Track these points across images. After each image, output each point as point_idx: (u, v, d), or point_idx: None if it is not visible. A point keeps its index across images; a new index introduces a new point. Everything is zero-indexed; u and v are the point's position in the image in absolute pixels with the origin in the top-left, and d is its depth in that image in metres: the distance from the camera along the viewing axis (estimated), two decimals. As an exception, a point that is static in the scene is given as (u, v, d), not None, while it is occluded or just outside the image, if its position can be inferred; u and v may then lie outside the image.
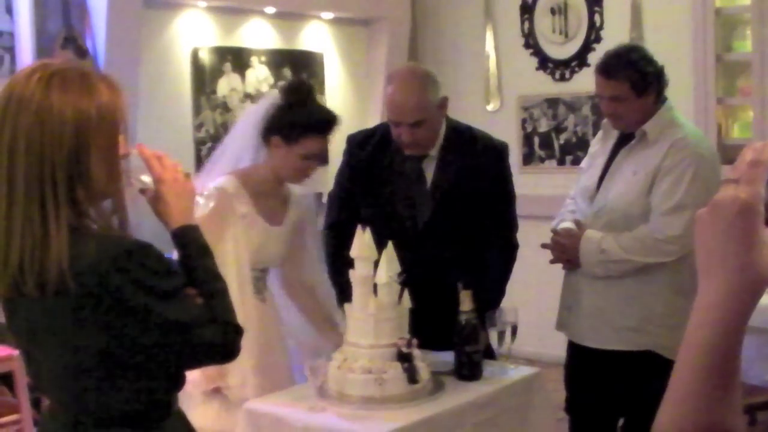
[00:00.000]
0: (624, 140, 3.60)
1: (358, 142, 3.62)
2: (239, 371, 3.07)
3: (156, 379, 1.92)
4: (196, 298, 1.93)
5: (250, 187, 3.23)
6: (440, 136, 3.46)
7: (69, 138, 1.81)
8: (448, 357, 3.17)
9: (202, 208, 2.84)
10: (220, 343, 1.92)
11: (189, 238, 2.01)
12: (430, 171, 3.47)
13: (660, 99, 3.54)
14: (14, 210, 1.80)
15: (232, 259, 3.12)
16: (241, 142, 3.30)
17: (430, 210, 3.44)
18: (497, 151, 3.55)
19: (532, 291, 5.47)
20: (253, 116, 3.29)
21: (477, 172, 3.44)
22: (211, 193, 3.09)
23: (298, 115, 3.19)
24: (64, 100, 1.82)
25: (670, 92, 3.61)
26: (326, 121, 3.26)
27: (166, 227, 2.04)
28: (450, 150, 3.46)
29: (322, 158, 3.31)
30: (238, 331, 1.97)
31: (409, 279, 3.05)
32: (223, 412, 3.12)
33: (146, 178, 2.07)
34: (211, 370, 2.98)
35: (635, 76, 3.46)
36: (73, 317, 1.81)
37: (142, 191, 2.07)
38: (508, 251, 3.58)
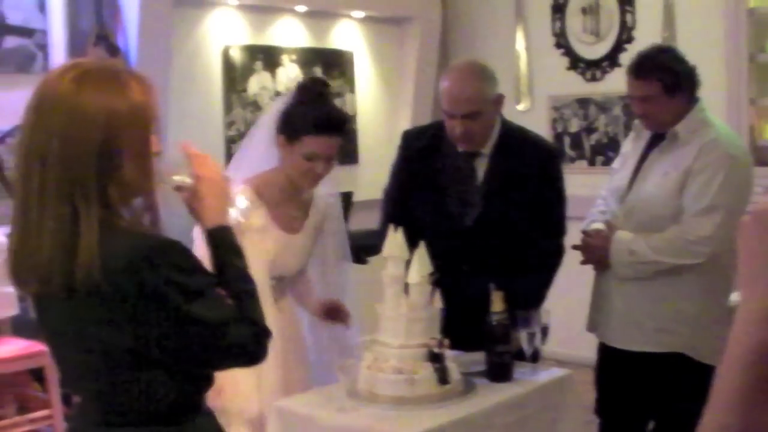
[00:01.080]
0: (656, 141, 3.58)
1: (412, 137, 3.66)
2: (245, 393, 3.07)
3: (185, 378, 1.92)
4: (225, 298, 1.93)
5: (267, 197, 3.18)
6: (494, 134, 3.46)
7: (100, 137, 1.81)
8: (479, 357, 3.16)
9: None
10: (248, 344, 1.92)
11: (222, 238, 2.02)
12: (481, 169, 3.47)
13: (692, 99, 3.52)
14: (46, 208, 1.81)
15: (256, 265, 3.09)
16: (262, 143, 3.27)
17: (480, 208, 3.43)
18: (550, 155, 3.58)
19: (563, 292, 5.40)
20: (270, 116, 3.27)
21: (527, 173, 3.44)
22: None
23: (300, 114, 3.14)
24: (96, 99, 1.82)
25: (703, 93, 3.59)
26: (327, 121, 3.17)
27: (200, 226, 2.05)
28: (503, 149, 3.46)
29: (328, 159, 3.17)
30: (266, 334, 1.96)
31: (448, 277, 3.05)
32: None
33: (181, 177, 2.07)
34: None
35: (667, 77, 3.45)
36: (103, 315, 1.82)
37: (179, 188, 2.07)
38: (555, 256, 3.56)
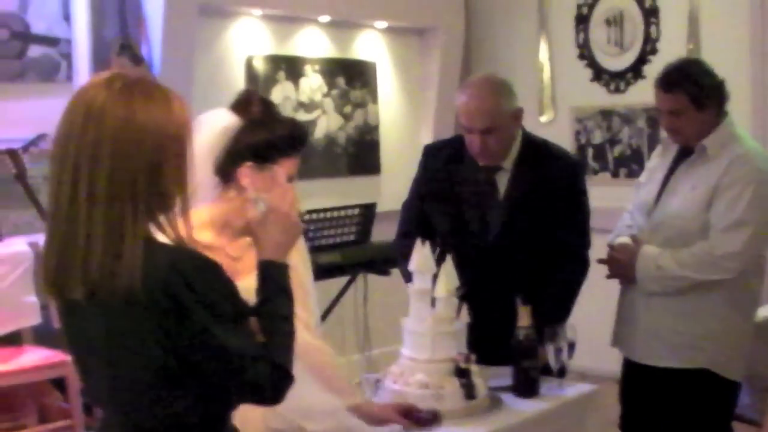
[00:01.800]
0: (683, 155, 3.56)
1: (434, 151, 3.63)
2: None
3: (210, 398, 1.90)
4: (257, 334, 1.92)
5: (228, 236, 2.49)
6: (515, 148, 3.43)
7: (150, 149, 1.82)
8: (505, 372, 3.13)
9: None
10: (266, 385, 1.89)
11: (273, 274, 2.00)
12: (503, 184, 3.44)
13: (721, 113, 3.50)
14: (95, 218, 1.80)
15: None
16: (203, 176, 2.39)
17: (501, 223, 3.41)
18: (572, 167, 3.54)
19: (588, 305, 5.35)
20: (202, 147, 2.30)
21: (551, 187, 3.40)
22: None
23: (273, 132, 2.46)
24: (147, 111, 1.83)
25: (728, 106, 3.55)
26: (302, 134, 2.61)
27: (257, 255, 2.04)
28: (524, 163, 3.43)
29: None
30: (288, 380, 1.93)
31: (473, 292, 3.03)
32: None
33: (261, 198, 2.11)
34: None
35: (695, 90, 3.42)
36: (137, 328, 1.81)
37: (255, 202, 2.10)
38: (580, 268, 3.52)
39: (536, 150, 3.47)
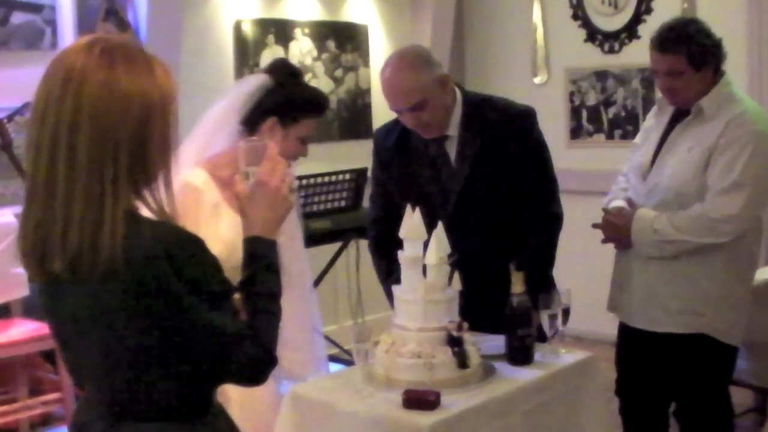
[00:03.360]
0: (679, 116, 3.49)
1: (382, 134, 3.55)
2: None
3: (194, 376, 1.84)
4: (240, 312, 1.86)
5: (220, 177, 2.93)
6: (456, 113, 3.34)
7: (134, 117, 1.75)
8: (498, 339, 3.08)
9: None
10: (250, 365, 1.84)
11: (260, 250, 1.94)
12: (453, 150, 3.36)
13: (717, 73, 3.42)
14: (75, 187, 1.73)
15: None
16: (217, 129, 2.96)
17: (459, 191, 3.34)
18: (521, 117, 3.40)
19: (584, 268, 5.36)
20: (238, 98, 2.95)
21: (502, 142, 3.31)
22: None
23: (298, 94, 2.97)
24: (130, 77, 1.76)
25: (724, 66, 3.48)
26: (324, 99, 3.11)
27: (244, 230, 1.98)
28: (469, 125, 3.34)
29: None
30: (272, 361, 1.88)
31: (456, 260, 2.96)
32: None
33: (252, 171, 2.05)
34: None
35: (693, 50, 3.35)
36: (118, 304, 1.75)
37: (245, 176, 2.04)
38: (551, 222, 3.43)
39: (478, 109, 3.37)
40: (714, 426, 3.56)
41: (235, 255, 2.90)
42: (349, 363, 4.04)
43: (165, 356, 1.78)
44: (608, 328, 3.92)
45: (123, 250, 1.71)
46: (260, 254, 1.93)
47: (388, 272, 3.16)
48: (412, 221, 2.87)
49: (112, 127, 1.73)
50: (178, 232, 1.79)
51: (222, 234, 2.84)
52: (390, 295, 3.04)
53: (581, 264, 5.30)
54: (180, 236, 1.77)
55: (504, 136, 3.32)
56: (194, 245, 1.78)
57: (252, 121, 2.91)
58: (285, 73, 2.99)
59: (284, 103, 2.93)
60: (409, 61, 3.26)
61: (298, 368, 3.12)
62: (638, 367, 3.66)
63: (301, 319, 3.16)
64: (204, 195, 2.91)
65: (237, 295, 1.88)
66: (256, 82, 2.96)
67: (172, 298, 1.73)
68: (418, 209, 2.88)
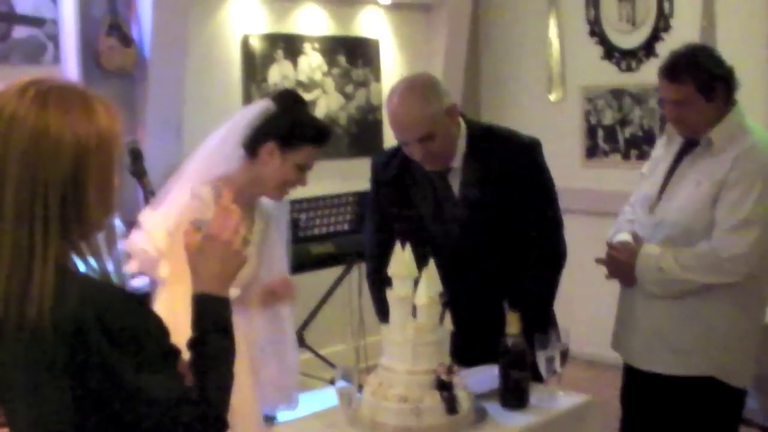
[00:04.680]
0: (689, 146, 3.35)
1: (381, 163, 3.42)
2: None
3: None
4: (185, 374, 1.73)
5: (239, 203, 2.94)
6: (461, 144, 3.22)
7: (66, 163, 1.64)
8: (488, 371, 2.98)
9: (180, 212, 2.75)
10: (198, 429, 1.71)
11: (209, 308, 1.81)
12: (456, 183, 3.24)
13: (729, 103, 3.28)
14: (2, 241, 1.63)
15: None
16: (221, 149, 2.99)
17: (461, 224, 3.22)
18: (526, 149, 3.28)
19: (595, 288, 5.19)
20: (241, 122, 2.99)
21: (506, 176, 3.20)
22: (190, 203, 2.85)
23: (301, 122, 2.98)
24: (62, 121, 1.65)
25: (741, 93, 3.34)
26: (325, 130, 3.07)
27: (192, 285, 1.85)
28: (474, 157, 3.22)
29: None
30: (223, 424, 1.75)
31: (448, 300, 2.84)
32: None
33: (201, 222, 1.94)
34: None
35: (702, 78, 3.21)
36: (45, 368, 1.63)
37: (197, 228, 1.91)
38: (553, 260, 3.31)
39: (483, 139, 3.25)
40: (720, 471, 3.42)
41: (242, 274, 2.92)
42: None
43: (97, 424, 1.67)
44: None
45: (51, 311, 1.59)
46: (209, 313, 1.81)
47: (385, 314, 3.00)
48: (401, 258, 2.75)
49: (42, 175, 1.62)
50: (111, 292, 1.67)
51: None
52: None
53: (595, 285, 5.15)
54: (113, 296, 1.66)
55: (509, 168, 3.21)
56: (128, 306, 1.66)
57: (252, 144, 2.93)
58: (289, 100, 3.02)
59: (284, 128, 2.94)
60: (418, 91, 3.15)
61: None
62: (643, 409, 3.51)
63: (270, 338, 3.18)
64: (208, 212, 2.82)
65: (185, 356, 1.76)
66: (260, 107, 2.99)
67: (102, 363, 1.61)
68: (408, 246, 2.76)
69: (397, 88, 3.19)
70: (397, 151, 3.36)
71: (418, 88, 3.16)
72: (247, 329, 3.10)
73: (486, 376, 3.01)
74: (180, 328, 1.81)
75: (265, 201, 3.14)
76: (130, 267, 2.79)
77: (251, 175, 2.96)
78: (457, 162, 3.23)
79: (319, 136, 3.01)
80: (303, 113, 3.04)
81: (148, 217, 2.94)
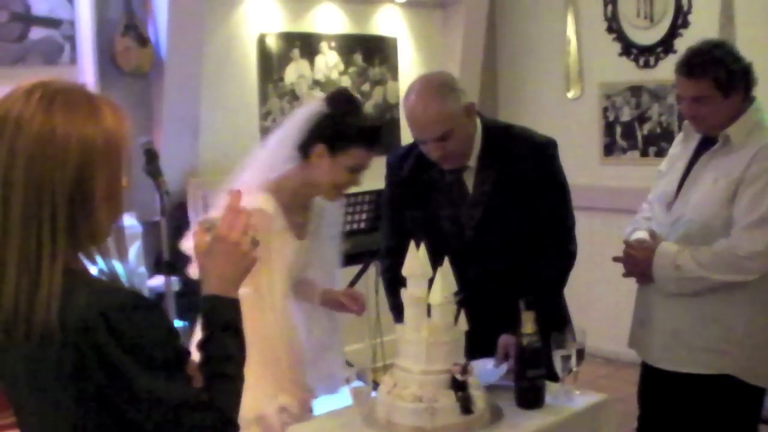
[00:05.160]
0: (706, 143, 3.32)
1: (395, 163, 3.40)
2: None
3: None
4: (194, 376, 1.72)
5: (282, 202, 3.02)
6: (477, 143, 3.20)
7: (73, 166, 1.63)
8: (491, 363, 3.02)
9: None
10: (208, 431, 1.70)
11: (218, 310, 1.80)
12: (471, 182, 3.22)
13: (747, 99, 3.25)
14: (9, 244, 1.62)
15: (278, 276, 2.94)
16: (278, 152, 3.05)
17: (475, 223, 3.20)
18: (541, 149, 3.25)
19: (612, 286, 5.19)
20: (294, 124, 3.04)
21: (522, 175, 3.17)
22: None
23: (348, 123, 2.97)
24: (68, 123, 1.63)
25: (759, 90, 3.31)
26: (375, 131, 3.06)
27: (202, 287, 1.84)
28: (488, 156, 3.20)
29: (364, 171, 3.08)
30: (233, 426, 1.74)
31: (462, 299, 2.82)
32: None
33: (212, 224, 1.92)
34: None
35: (720, 74, 3.18)
36: (54, 372, 1.62)
37: (205, 227, 1.91)
38: (563, 260, 3.28)
39: (499, 139, 3.23)
40: (739, 470, 3.39)
41: (293, 273, 3.06)
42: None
43: (104, 426, 1.66)
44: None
45: (59, 314, 1.59)
46: (218, 314, 1.80)
47: (400, 313, 2.99)
48: (416, 258, 2.74)
49: (49, 177, 1.61)
50: (121, 295, 1.65)
51: (287, 257, 2.98)
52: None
53: (613, 282, 5.12)
54: (123, 300, 1.64)
55: (524, 168, 3.18)
56: (140, 310, 1.64)
57: (304, 147, 2.98)
58: (340, 102, 3.02)
59: (333, 130, 2.96)
60: (435, 90, 3.11)
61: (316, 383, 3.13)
62: (661, 407, 3.49)
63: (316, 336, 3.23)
64: (275, 221, 2.96)
65: (195, 359, 1.76)
66: (312, 108, 3.03)
67: (112, 367, 1.60)
68: (423, 246, 2.74)
69: (415, 86, 3.16)
70: (410, 150, 3.34)
71: (436, 86, 3.14)
72: (302, 322, 3.19)
73: (490, 366, 3.03)
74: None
75: (318, 200, 3.17)
76: (191, 271, 2.79)
77: (305, 177, 3.00)
78: (472, 161, 3.21)
79: (368, 137, 2.99)
80: (353, 114, 3.01)
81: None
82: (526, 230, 3.18)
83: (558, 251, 3.25)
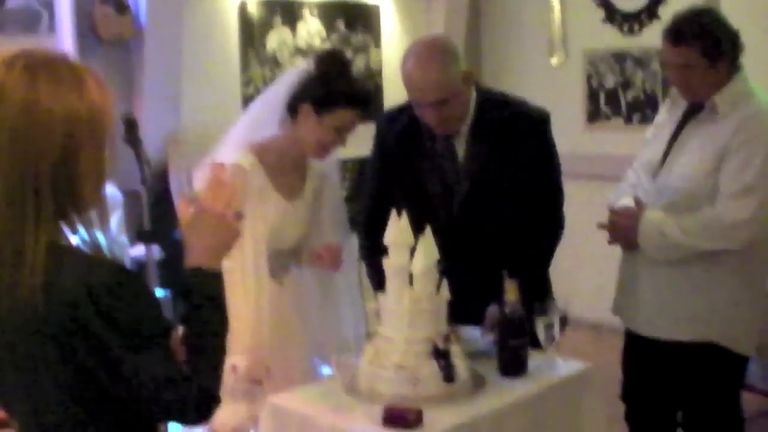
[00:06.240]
0: (692, 111, 3.29)
1: (385, 123, 3.36)
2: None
3: (125, 420, 1.70)
4: (177, 349, 1.70)
5: (267, 162, 3.07)
6: (470, 110, 3.17)
7: (58, 137, 1.60)
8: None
9: None
10: (189, 407, 1.68)
11: (201, 282, 1.77)
12: (462, 148, 3.19)
13: (734, 67, 3.22)
14: None
15: (248, 236, 2.93)
16: (265, 112, 3.13)
17: (465, 190, 3.18)
18: (535, 121, 3.23)
19: (597, 253, 5.15)
20: (282, 85, 3.12)
21: (513, 144, 3.15)
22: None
23: (335, 85, 3.03)
24: (52, 95, 1.60)
25: (745, 58, 3.28)
26: (363, 94, 3.11)
27: (186, 258, 1.81)
28: (482, 124, 3.17)
29: (350, 132, 3.11)
30: (214, 400, 1.72)
31: (447, 266, 2.80)
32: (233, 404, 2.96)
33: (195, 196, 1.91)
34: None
35: (707, 42, 3.15)
36: (39, 346, 1.60)
37: (189, 199, 1.89)
38: (553, 230, 3.27)
39: (493, 108, 3.20)
40: (722, 437, 3.40)
41: (281, 239, 3.08)
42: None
43: (91, 401, 1.64)
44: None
45: (43, 288, 1.56)
46: (201, 287, 1.77)
47: (381, 282, 2.95)
48: (398, 227, 2.72)
49: (33, 150, 1.58)
50: (107, 269, 1.62)
51: (268, 217, 3.03)
52: (379, 281, 2.86)
53: (597, 249, 5.10)
54: (109, 275, 1.61)
55: (516, 137, 3.16)
56: (123, 284, 1.61)
57: (292, 106, 3.06)
58: (329, 63, 3.07)
59: (320, 91, 3.02)
60: (441, 52, 3.08)
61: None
62: (645, 374, 3.50)
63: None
64: (251, 178, 3.01)
65: (179, 331, 1.73)
66: (301, 69, 3.13)
67: (97, 343, 1.58)
68: (404, 214, 2.72)
69: (416, 48, 3.12)
70: (402, 111, 3.31)
71: (439, 50, 3.09)
72: (300, 285, 3.25)
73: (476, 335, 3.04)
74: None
75: (317, 163, 3.21)
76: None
77: (291, 136, 3.09)
78: (465, 127, 3.19)
79: (353, 99, 3.05)
80: (340, 76, 3.06)
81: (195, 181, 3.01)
82: (515, 200, 3.16)
83: (548, 223, 3.24)
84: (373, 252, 3.06)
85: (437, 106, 3.04)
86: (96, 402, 1.65)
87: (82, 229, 1.67)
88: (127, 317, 1.60)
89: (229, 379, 2.89)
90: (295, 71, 3.16)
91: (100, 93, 1.67)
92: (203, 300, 1.76)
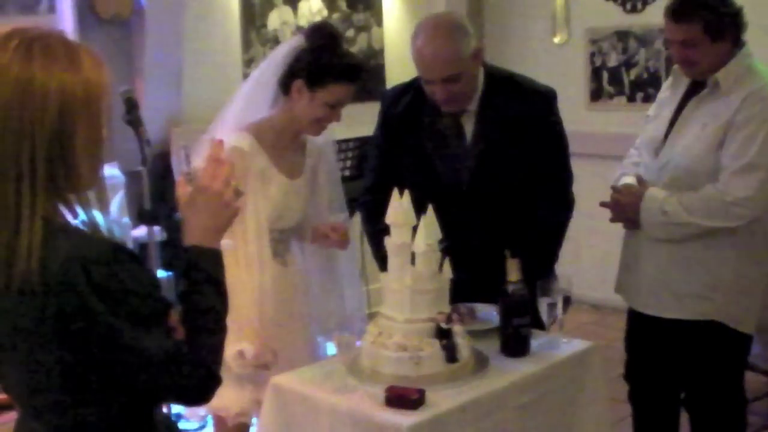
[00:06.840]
0: (695, 89, 3.27)
1: (391, 98, 3.33)
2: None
3: (124, 399, 1.69)
4: (176, 328, 1.69)
5: (266, 142, 3.02)
6: (479, 88, 3.16)
7: (52, 115, 1.59)
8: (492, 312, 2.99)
9: None
10: (189, 386, 1.68)
11: (199, 261, 1.76)
12: (470, 126, 3.17)
13: (737, 44, 3.20)
14: None
15: (251, 218, 2.93)
16: (259, 90, 3.06)
17: (472, 169, 3.16)
18: (543, 99, 3.22)
19: (600, 232, 5.14)
20: (273, 61, 3.04)
21: (521, 123, 3.13)
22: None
23: (326, 59, 2.95)
24: (47, 71, 1.59)
25: (749, 35, 3.25)
26: (355, 67, 3.03)
27: (184, 237, 1.80)
28: (490, 102, 3.15)
29: (343, 106, 3.06)
30: (215, 379, 1.71)
31: (453, 246, 2.79)
32: (238, 388, 2.96)
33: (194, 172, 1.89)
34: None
35: (710, 18, 3.12)
36: (35, 324, 1.59)
37: (187, 177, 1.87)
38: (564, 209, 3.26)
39: (501, 86, 3.19)
40: (724, 416, 3.39)
41: (284, 217, 3.06)
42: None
43: (88, 380, 1.63)
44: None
45: (40, 266, 1.55)
46: (200, 266, 1.76)
47: (385, 261, 2.89)
48: (399, 206, 2.70)
49: (27, 126, 1.57)
50: (101, 246, 1.61)
51: (271, 197, 2.99)
52: (383, 258, 2.81)
53: (600, 228, 5.11)
54: (104, 252, 1.60)
55: (524, 114, 3.15)
56: (120, 261, 1.61)
57: (284, 83, 2.99)
58: (319, 37, 2.99)
59: (311, 66, 2.95)
60: (452, 28, 3.06)
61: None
62: (648, 353, 3.49)
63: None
64: (251, 159, 2.96)
65: (177, 310, 1.72)
66: (291, 44, 3.03)
67: (92, 319, 1.57)
68: (406, 193, 2.70)
69: (427, 24, 3.10)
70: (409, 87, 3.29)
71: (450, 27, 3.07)
72: (301, 262, 3.24)
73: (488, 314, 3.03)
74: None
75: (314, 140, 3.17)
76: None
77: (287, 113, 3.03)
78: (473, 105, 3.17)
79: (347, 73, 2.98)
80: (331, 49, 2.99)
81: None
82: (521, 177, 3.15)
83: (558, 201, 3.23)
84: (378, 231, 3.05)
85: (447, 82, 3.02)
86: (93, 383, 1.65)
87: (80, 210, 1.65)
88: (124, 295, 1.59)
89: (235, 365, 2.91)
90: (285, 46, 3.07)
91: (96, 70, 1.65)
92: (202, 277, 1.75)
